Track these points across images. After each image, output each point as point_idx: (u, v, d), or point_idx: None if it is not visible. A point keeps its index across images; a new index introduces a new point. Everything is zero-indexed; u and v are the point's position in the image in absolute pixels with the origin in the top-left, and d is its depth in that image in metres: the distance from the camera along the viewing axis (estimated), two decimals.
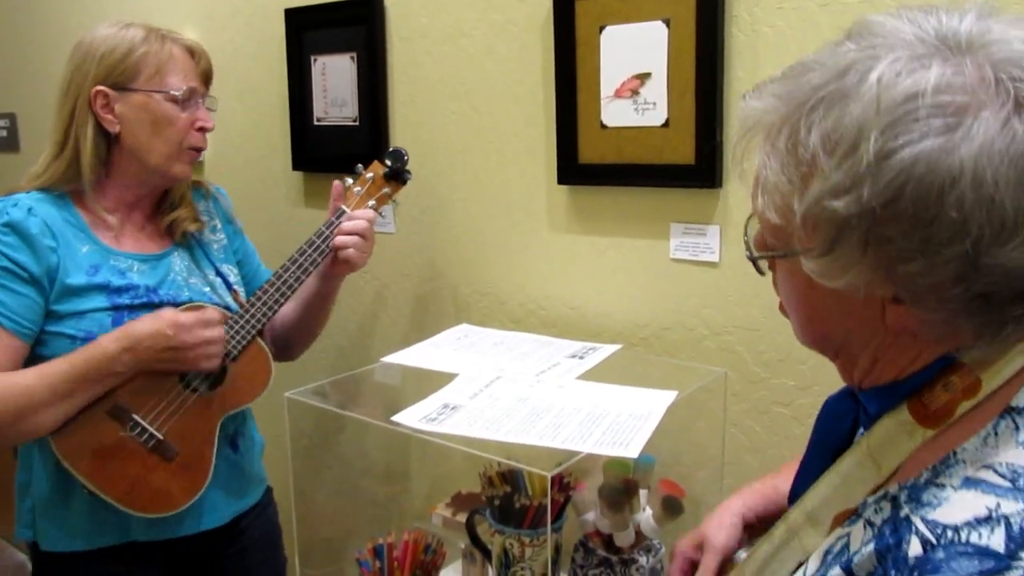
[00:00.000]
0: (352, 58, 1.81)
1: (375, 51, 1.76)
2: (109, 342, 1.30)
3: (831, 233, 0.58)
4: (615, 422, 1.12)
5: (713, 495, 1.43)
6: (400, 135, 1.79)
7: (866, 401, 0.71)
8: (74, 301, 1.35)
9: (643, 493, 1.37)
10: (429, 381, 1.31)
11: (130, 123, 1.38)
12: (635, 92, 1.42)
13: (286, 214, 2.05)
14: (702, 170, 1.36)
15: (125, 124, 1.38)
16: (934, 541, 0.56)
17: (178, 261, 1.47)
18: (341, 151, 1.87)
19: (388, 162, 1.52)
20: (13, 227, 1.32)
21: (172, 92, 1.38)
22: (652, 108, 1.40)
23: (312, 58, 1.89)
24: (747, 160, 0.65)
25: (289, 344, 1.62)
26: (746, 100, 0.64)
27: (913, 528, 0.57)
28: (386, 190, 1.54)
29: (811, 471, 0.75)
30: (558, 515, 1.33)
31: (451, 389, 1.25)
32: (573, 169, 1.51)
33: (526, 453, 1.18)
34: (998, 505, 0.56)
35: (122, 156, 1.41)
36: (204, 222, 1.53)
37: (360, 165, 1.55)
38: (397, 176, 1.53)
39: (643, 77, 1.40)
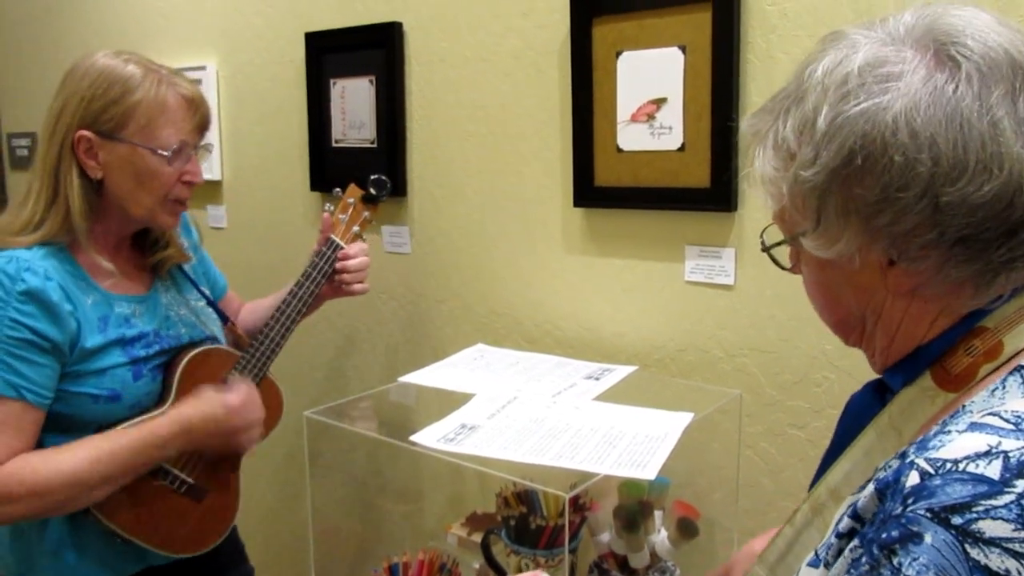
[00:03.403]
0: (371, 81, 1.84)
1: (394, 74, 1.79)
2: (162, 428, 1.28)
3: (814, 204, 0.69)
4: (632, 443, 1.13)
5: (728, 517, 1.43)
6: (417, 157, 1.81)
7: (891, 378, 0.75)
8: (93, 360, 1.30)
9: (658, 514, 1.38)
10: (445, 401, 1.32)
11: (113, 172, 1.30)
12: (651, 116, 1.44)
13: (303, 234, 2.07)
14: (717, 193, 1.37)
15: (108, 172, 1.30)
16: (932, 471, 0.58)
17: (164, 296, 1.44)
18: (358, 172, 1.89)
19: (373, 190, 1.55)
20: (32, 295, 1.24)
21: (161, 151, 1.29)
22: (668, 132, 1.42)
23: (331, 81, 1.92)
24: (752, 165, 0.76)
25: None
26: (746, 121, 0.77)
27: (914, 465, 0.59)
28: (366, 214, 1.56)
29: (833, 458, 0.76)
30: (573, 536, 1.34)
31: (468, 409, 1.26)
32: (589, 192, 1.53)
33: (541, 474, 1.19)
34: (999, 443, 0.58)
35: (107, 202, 1.33)
36: (191, 255, 1.50)
37: (338, 189, 1.56)
38: (374, 200, 1.57)
39: (659, 102, 1.42)
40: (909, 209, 0.63)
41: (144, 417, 1.31)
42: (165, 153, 1.29)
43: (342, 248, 1.52)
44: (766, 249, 0.80)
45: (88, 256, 1.32)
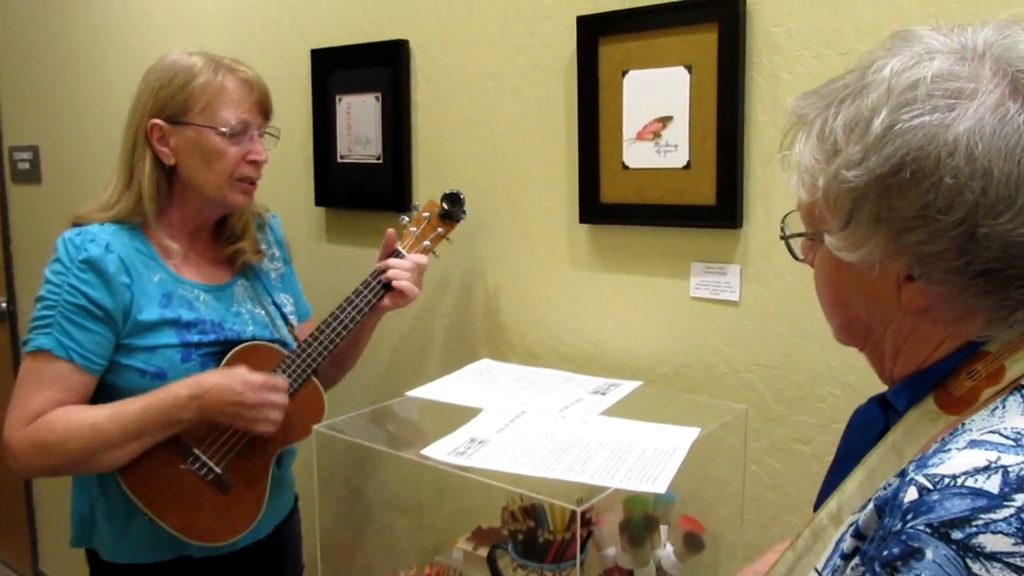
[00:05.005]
0: (377, 98, 1.85)
1: (400, 91, 1.81)
2: (180, 388, 1.34)
3: (847, 205, 0.67)
4: (641, 458, 1.14)
5: (733, 532, 1.44)
6: (423, 173, 1.83)
7: (895, 398, 0.74)
8: (146, 336, 1.38)
9: (663, 529, 1.38)
10: (452, 415, 1.33)
11: (183, 156, 1.41)
12: (657, 134, 1.45)
13: (307, 249, 2.08)
14: (723, 211, 1.39)
15: (179, 156, 1.41)
16: (930, 487, 0.58)
17: (241, 291, 1.52)
18: (364, 188, 1.91)
19: (445, 205, 1.58)
20: (91, 264, 1.35)
21: (221, 128, 1.39)
22: (674, 150, 1.44)
23: (337, 97, 1.93)
24: (789, 149, 0.74)
25: (322, 378, 1.66)
26: (793, 101, 0.74)
27: (912, 481, 0.59)
28: (440, 230, 1.59)
29: (837, 478, 0.76)
30: (580, 550, 1.35)
31: (477, 423, 1.27)
32: (595, 208, 1.54)
33: (545, 487, 1.20)
34: (998, 458, 0.58)
35: (181, 186, 1.44)
36: (264, 252, 1.57)
37: (416, 203, 1.60)
38: (451, 216, 1.59)
39: (665, 120, 1.44)
40: (944, 232, 0.62)
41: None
42: (224, 130, 1.39)
43: (401, 254, 1.56)
44: (785, 237, 0.80)
45: (159, 237, 1.43)
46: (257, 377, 1.37)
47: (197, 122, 1.39)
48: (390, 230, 1.58)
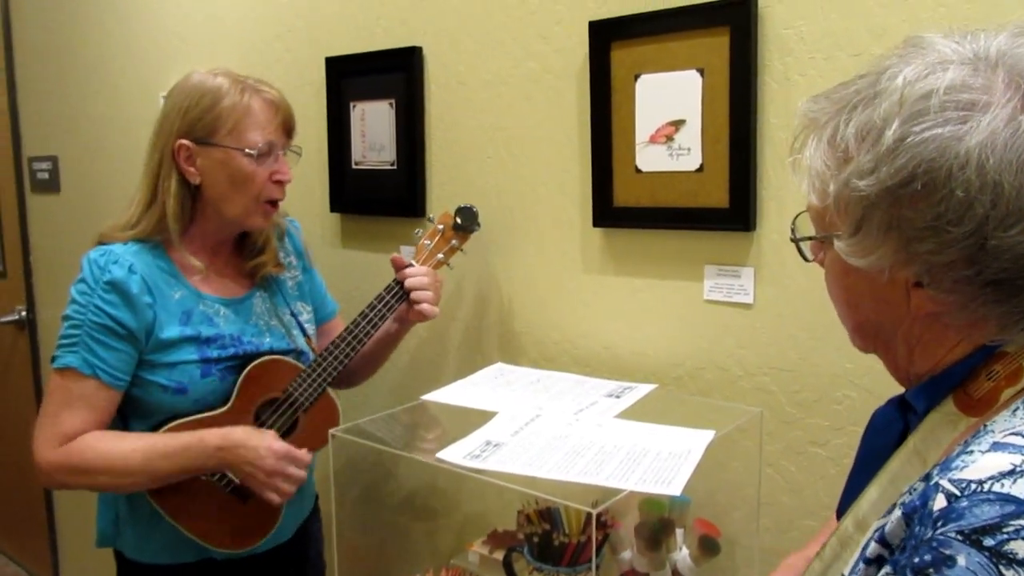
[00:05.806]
0: (391, 104, 1.87)
1: (413, 98, 1.82)
2: (211, 438, 1.39)
3: (858, 213, 0.67)
4: (656, 460, 1.14)
5: (749, 535, 1.44)
6: (437, 179, 1.84)
7: (915, 401, 0.75)
8: (167, 353, 1.42)
9: (679, 532, 1.38)
10: (467, 419, 1.34)
11: (210, 176, 1.43)
12: (670, 138, 1.46)
13: (323, 254, 2.09)
14: (736, 213, 1.39)
15: (205, 177, 1.43)
16: (958, 493, 0.58)
17: (259, 303, 1.54)
18: (378, 194, 1.92)
19: (459, 219, 1.60)
20: (115, 285, 1.38)
21: (248, 150, 1.41)
22: (687, 153, 1.44)
23: (351, 104, 1.95)
24: (800, 152, 0.74)
25: (353, 374, 1.71)
26: (804, 104, 0.73)
27: (940, 488, 0.59)
28: (454, 242, 1.61)
29: (859, 482, 0.77)
30: (595, 553, 1.35)
31: (493, 427, 1.28)
32: (608, 212, 1.55)
33: (560, 490, 1.20)
34: (1023, 461, 0.58)
35: (204, 205, 1.46)
36: (284, 264, 1.60)
37: (432, 216, 1.62)
38: (466, 229, 1.62)
39: (677, 124, 1.44)
40: (954, 243, 0.62)
41: (202, 416, 1.43)
42: (252, 152, 1.41)
43: (413, 267, 1.57)
44: (795, 240, 0.80)
45: (181, 254, 1.45)
46: (282, 446, 1.41)
47: (225, 144, 1.41)
48: (395, 255, 1.61)
